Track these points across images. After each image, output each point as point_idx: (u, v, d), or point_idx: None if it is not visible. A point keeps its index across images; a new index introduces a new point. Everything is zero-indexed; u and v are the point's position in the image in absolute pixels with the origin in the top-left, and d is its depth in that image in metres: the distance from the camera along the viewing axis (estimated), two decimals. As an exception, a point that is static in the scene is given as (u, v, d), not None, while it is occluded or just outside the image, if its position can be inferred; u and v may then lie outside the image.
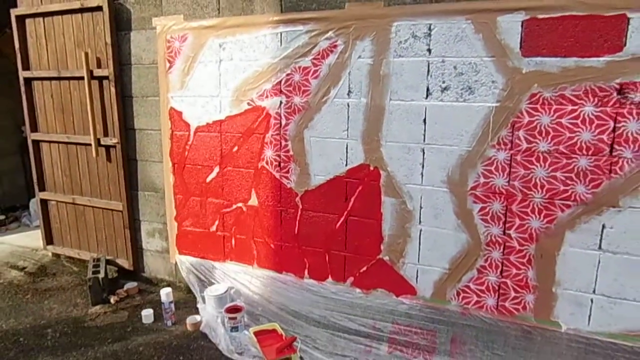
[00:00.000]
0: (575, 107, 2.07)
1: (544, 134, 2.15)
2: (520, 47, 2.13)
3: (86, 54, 3.13)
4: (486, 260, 2.36)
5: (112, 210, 3.43)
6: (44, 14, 3.32)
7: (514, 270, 2.32)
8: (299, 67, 2.61)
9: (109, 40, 3.06)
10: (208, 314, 2.89)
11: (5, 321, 2.99)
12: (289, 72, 2.65)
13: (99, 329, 2.87)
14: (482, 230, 2.34)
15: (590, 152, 2.07)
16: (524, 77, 2.14)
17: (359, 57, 2.46)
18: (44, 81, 3.47)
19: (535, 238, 2.25)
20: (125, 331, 2.84)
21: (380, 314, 2.62)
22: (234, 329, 2.74)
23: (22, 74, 3.50)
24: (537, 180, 2.19)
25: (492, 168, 2.27)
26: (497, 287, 2.37)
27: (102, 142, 3.29)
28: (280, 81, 2.68)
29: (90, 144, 3.33)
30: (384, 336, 2.58)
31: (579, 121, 2.07)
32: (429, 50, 2.31)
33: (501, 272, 2.35)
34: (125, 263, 3.47)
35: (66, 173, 3.58)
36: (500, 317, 2.38)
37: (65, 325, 2.92)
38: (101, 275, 3.18)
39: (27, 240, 4.25)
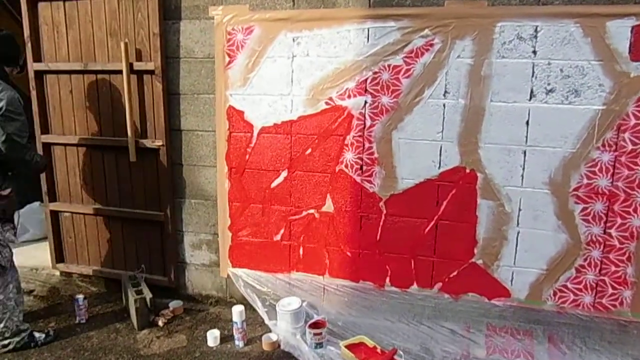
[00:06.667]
0: (682, 110, 2.18)
1: (649, 136, 2.23)
2: (629, 52, 2.19)
3: (126, 45, 2.75)
4: (585, 260, 2.41)
5: (147, 220, 3.05)
6: (65, -3, 2.86)
7: (613, 268, 2.39)
8: (389, 66, 2.49)
9: (156, 30, 2.71)
10: (283, 331, 2.66)
11: (39, 356, 2.54)
12: (376, 70, 2.51)
13: (161, 358, 2.53)
14: (583, 230, 2.39)
15: (694, 153, 2.19)
16: (632, 80, 2.21)
17: (458, 56, 2.39)
18: (61, 75, 2.99)
19: (636, 236, 2.33)
20: (194, 357, 2.53)
21: (472, 317, 2.58)
22: (319, 345, 2.55)
23: (33, 67, 2.98)
24: (641, 181, 2.28)
25: (596, 169, 2.32)
26: (594, 285, 2.43)
27: (141, 145, 2.91)
28: (366, 80, 2.54)
29: (122, 147, 2.92)
30: (480, 339, 2.54)
31: (685, 123, 2.18)
32: (535, 52, 2.30)
33: (600, 270, 2.41)
34: (163, 280, 3.10)
35: (87, 180, 3.12)
36: (596, 313, 2.44)
37: (118, 356, 2.54)
38: (148, 295, 2.81)
39: (21, 259, 3.62)
